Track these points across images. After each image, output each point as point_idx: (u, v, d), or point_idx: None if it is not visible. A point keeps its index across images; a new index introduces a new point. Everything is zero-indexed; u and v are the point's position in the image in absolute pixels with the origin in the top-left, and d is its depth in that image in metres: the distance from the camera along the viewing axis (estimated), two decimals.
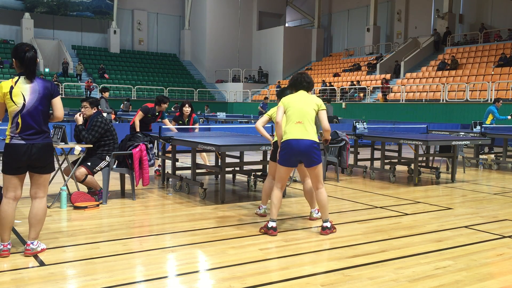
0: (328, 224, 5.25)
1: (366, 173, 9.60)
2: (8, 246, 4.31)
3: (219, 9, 37.37)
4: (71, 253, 4.46)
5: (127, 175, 7.16)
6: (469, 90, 20.79)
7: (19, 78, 4.32)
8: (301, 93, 5.34)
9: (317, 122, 5.37)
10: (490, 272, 4.17)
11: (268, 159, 6.28)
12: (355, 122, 9.77)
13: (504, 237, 5.30)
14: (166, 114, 9.52)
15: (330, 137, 5.45)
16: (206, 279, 3.94)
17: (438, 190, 8.38)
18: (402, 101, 23.29)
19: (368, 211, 6.52)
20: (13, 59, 4.35)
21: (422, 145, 9.27)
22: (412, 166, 9.77)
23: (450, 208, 6.78)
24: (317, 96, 6.89)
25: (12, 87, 4.27)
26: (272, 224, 5.17)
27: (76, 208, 6.22)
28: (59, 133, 6.32)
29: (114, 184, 7.87)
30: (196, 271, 4.12)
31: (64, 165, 6.94)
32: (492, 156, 12.01)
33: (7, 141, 4.30)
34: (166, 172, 8.34)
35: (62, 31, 35.29)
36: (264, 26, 38.68)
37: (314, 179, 5.31)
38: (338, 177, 9.27)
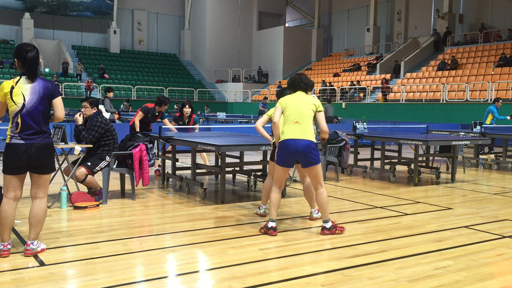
0: (327, 225, 5.23)
1: (366, 173, 9.60)
2: (8, 246, 4.31)
3: (219, 9, 37.38)
4: (71, 253, 4.46)
5: (127, 175, 7.16)
6: (469, 90, 20.79)
7: (20, 78, 4.33)
8: (299, 93, 5.34)
9: (315, 122, 5.37)
10: (490, 272, 4.17)
11: (268, 159, 6.28)
12: (355, 122, 9.77)
13: (504, 237, 5.30)
14: (166, 114, 9.52)
15: (327, 136, 5.45)
16: (206, 279, 3.94)
17: (438, 190, 8.38)
18: (402, 101, 23.29)
19: (368, 211, 6.52)
20: (15, 59, 4.35)
21: (422, 145, 9.27)
22: (412, 166, 9.77)
23: (450, 208, 6.79)
24: (317, 96, 6.88)
25: (12, 87, 4.28)
26: (272, 224, 5.17)
27: (76, 208, 6.22)
28: (59, 133, 6.32)
29: (114, 184, 7.87)
30: (196, 271, 4.12)
31: (64, 165, 6.94)
32: (492, 156, 12.01)
33: (7, 140, 4.31)
34: (166, 172, 8.34)
35: (62, 31, 35.30)
36: (264, 26, 38.69)
37: (313, 180, 5.31)
38: (338, 177, 9.27)
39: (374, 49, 32.56)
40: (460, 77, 23.00)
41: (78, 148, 6.35)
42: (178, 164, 8.64)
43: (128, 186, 7.38)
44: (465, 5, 29.94)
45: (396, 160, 10.00)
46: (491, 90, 19.76)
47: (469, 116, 18.50)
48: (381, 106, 23.98)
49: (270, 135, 6.06)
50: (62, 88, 28.42)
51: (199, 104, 30.34)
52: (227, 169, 7.19)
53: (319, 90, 28.09)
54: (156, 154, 8.80)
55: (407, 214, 6.33)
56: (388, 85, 25.66)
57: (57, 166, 5.77)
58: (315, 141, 5.21)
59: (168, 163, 9.13)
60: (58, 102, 4.41)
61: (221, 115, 21.69)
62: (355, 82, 27.60)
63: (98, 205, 6.39)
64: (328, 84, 28.77)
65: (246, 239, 5.02)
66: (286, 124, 5.22)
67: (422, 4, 31.62)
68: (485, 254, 4.65)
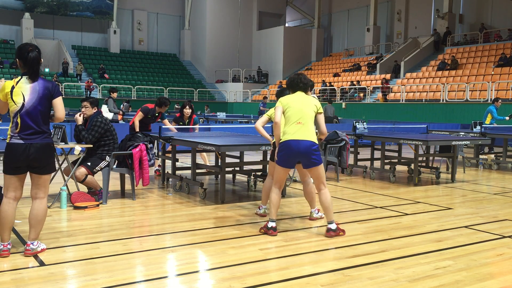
0: (332, 226, 5.16)
1: (366, 173, 9.60)
2: (8, 246, 4.31)
3: (219, 9, 37.38)
4: (71, 253, 4.46)
5: (127, 175, 7.16)
6: (469, 90, 20.79)
7: (21, 78, 4.34)
8: (300, 94, 5.32)
9: (315, 124, 5.36)
10: (490, 272, 4.17)
11: (268, 159, 6.28)
12: (355, 122, 9.77)
13: (504, 237, 5.30)
14: (166, 115, 9.52)
15: (324, 137, 5.45)
16: (206, 279, 3.94)
17: (438, 190, 8.38)
18: (402, 101, 23.29)
19: (368, 211, 6.52)
20: (17, 59, 4.36)
21: (422, 145, 9.26)
22: (412, 166, 9.77)
23: (450, 208, 6.79)
24: (317, 97, 6.89)
25: (13, 87, 4.29)
26: (271, 224, 5.16)
27: (76, 208, 6.22)
28: (59, 133, 6.32)
29: (114, 184, 7.87)
30: (196, 271, 4.12)
31: (64, 165, 6.94)
32: (492, 156, 12.01)
33: (7, 140, 4.32)
34: (166, 172, 8.34)
35: (62, 31, 35.29)
36: (264, 26, 38.69)
37: (316, 181, 5.28)
38: (338, 177, 9.27)
39: (374, 49, 32.56)
40: (460, 77, 23.00)
41: (78, 148, 6.35)
42: (178, 164, 8.64)
43: (128, 186, 7.38)
44: (465, 5, 29.94)
45: (396, 160, 10.00)
46: (491, 90, 19.76)
47: (469, 116, 18.50)
48: (381, 106, 23.98)
49: (270, 135, 6.06)
50: (62, 88, 28.42)
51: (199, 104, 30.34)
52: (227, 169, 7.19)
53: (319, 90, 28.09)
54: (156, 154, 8.80)
55: (407, 214, 6.33)
56: (388, 85, 25.66)
57: (57, 166, 5.77)
58: (317, 142, 5.20)
59: (168, 163, 9.13)
60: (58, 103, 4.40)
61: (221, 115, 21.69)
62: (355, 82, 27.60)
63: (98, 205, 6.39)
64: (328, 84, 28.77)
65: (246, 239, 5.02)
66: (288, 125, 5.17)
67: (422, 4, 31.62)
68: (485, 254, 4.65)
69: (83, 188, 6.86)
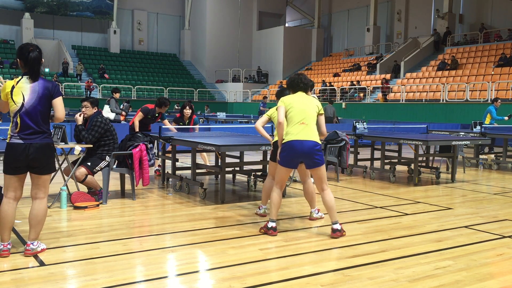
0: (338, 226, 5.14)
1: (366, 173, 9.60)
2: (8, 246, 4.31)
3: (219, 9, 37.38)
4: (71, 253, 4.46)
5: (127, 175, 7.16)
6: (469, 90, 20.79)
7: (22, 77, 4.34)
8: (301, 94, 5.31)
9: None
10: (490, 272, 4.17)
11: (268, 159, 6.28)
12: (355, 122, 9.77)
13: (504, 237, 5.30)
14: (166, 115, 9.52)
15: (324, 138, 5.47)
16: (206, 279, 3.94)
17: (438, 190, 8.38)
18: (402, 101, 23.29)
19: (368, 211, 6.52)
20: (18, 59, 4.36)
21: (422, 145, 9.26)
22: (412, 166, 9.77)
23: (450, 208, 6.79)
24: (318, 97, 6.89)
25: (13, 87, 4.29)
26: (272, 224, 5.16)
27: (76, 208, 6.22)
28: (59, 133, 6.33)
29: (114, 184, 7.87)
30: (196, 271, 4.12)
31: (64, 165, 6.94)
32: (492, 156, 12.01)
33: (7, 140, 4.33)
34: (166, 172, 8.34)
35: (62, 31, 35.29)
36: (264, 26, 38.69)
37: (318, 181, 5.26)
38: (338, 177, 9.27)
39: (374, 49, 32.56)
40: (460, 77, 23.00)
41: (78, 148, 6.35)
42: (178, 164, 8.64)
43: (128, 186, 7.38)
44: (465, 5, 29.94)
45: (396, 160, 10.00)
46: (491, 90, 19.76)
47: (469, 116, 18.49)
48: (381, 106, 23.98)
49: (270, 135, 6.05)
50: (62, 88, 28.42)
51: (199, 104, 30.34)
52: (227, 169, 7.19)
53: (319, 90, 28.09)
54: (156, 154, 8.80)
55: (407, 214, 6.34)
56: (388, 85, 25.66)
57: (57, 166, 5.78)
58: (319, 142, 5.19)
59: (168, 163, 9.13)
60: (58, 103, 4.40)
61: (221, 115, 21.69)
62: (355, 82, 27.60)
63: (98, 205, 6.39)
64: (328, 84, 28.77)
65: (246, 239, 5.02)
66: (291, 125, 5.15)
67: (422, 4, 31.62)
68: (485, 254, 4.66)
69: (83, 188, 6.86)
